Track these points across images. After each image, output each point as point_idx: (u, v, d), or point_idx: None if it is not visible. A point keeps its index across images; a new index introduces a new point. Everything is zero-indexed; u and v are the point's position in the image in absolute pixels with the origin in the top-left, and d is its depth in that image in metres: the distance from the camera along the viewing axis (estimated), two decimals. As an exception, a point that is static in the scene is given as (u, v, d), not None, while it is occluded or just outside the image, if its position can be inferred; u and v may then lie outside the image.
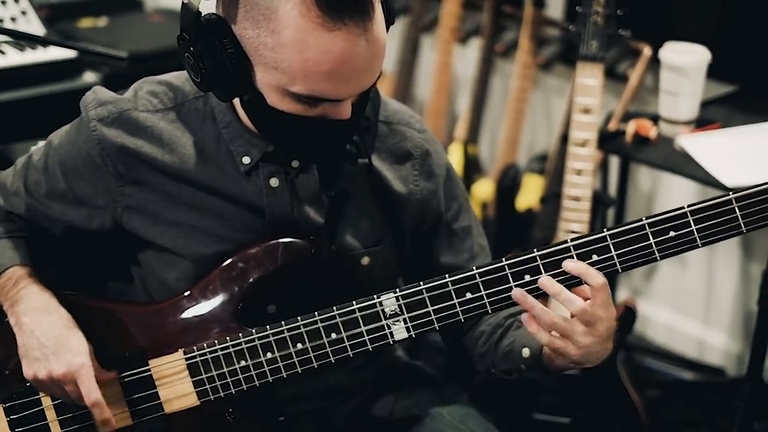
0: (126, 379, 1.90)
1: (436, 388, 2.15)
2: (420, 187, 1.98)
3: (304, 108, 1.70)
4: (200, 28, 1.69)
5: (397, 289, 1.81)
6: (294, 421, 2.01)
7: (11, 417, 1.93)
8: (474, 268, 1.78)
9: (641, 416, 2.94)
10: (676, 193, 3.70)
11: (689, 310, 3.82)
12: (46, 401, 1.92)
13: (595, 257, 1.75)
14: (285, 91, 1.68)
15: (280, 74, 1.66)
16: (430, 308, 1.80)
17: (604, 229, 1.75)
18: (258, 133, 1.85)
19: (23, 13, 3.38)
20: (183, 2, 1.72)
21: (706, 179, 2.69)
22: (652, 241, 1.73)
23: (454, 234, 2.04)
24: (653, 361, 3.79)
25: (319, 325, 1.84)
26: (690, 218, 1.72)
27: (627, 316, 2.91)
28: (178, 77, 1.93)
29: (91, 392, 1.83)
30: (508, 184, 3.79)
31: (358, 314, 1.82)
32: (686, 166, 2.75)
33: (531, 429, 2.95)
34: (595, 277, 1.73)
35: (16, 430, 1.93)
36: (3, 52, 3.22)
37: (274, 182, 1.88)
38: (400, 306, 1.81)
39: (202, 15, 1.69)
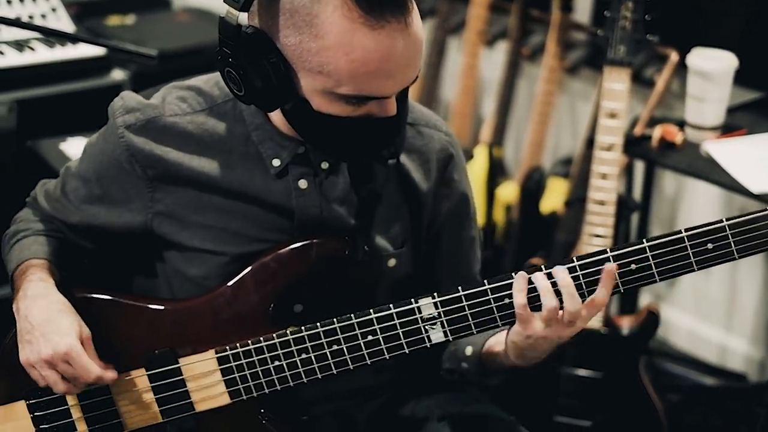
0: (155, 377, 1.91)
1: (457, 389, 2.15)
2: (438, 190, 1.99)
3: (351, 109, 1.72)
4: (241, 42, 1.71)
5: (435, 294, 1.82)
6: (317, 421, 2.01)
7: (35, 414, 1.94)
8: (513, 274, 1.79)
9: (662, 421, 2.94)
10: (701, 199, 3.69)
11: (712, 315, 3.81)
12: (72, 399, 1.93)
13: (633, 266, 1.77)
14: (332, 94, 1.70)
15: (326, 77, 1.68)
16: (468, 313, 1.81)
17: (644, 240, 1.76)
18: (289, 135, 1.86)
19: (53, 10, 3.41)
20: (220, 17, 1.73)
21: (731, 185, 2.69)
22: (690, 252, 1.76)
23: (460, 242, 2.06)
24: (675, 366, 3.78)
25: (356, 327, 1.84)
26: (728, 231, 1.74)
27: (650, 320, 2.92)
28: (206, 82, 1.94)
29: (88, 369, 1.82)
30: (533, 187, 3.79)
31: (395, 318, 1.83)
32: (712, 172, 2.75)
33: (551, 431, 2.96)
34: (604, 297, 1.75)
35: (41, 426, 1.94)
36: (33, 49, 3.25)
37: (303, 184, 1.89)
38: (438, 311, 1.82)
39: (243, 28, 1.70)
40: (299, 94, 1.73)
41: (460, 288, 1.81)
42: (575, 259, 1.77)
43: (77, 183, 1.97)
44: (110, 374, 1.86)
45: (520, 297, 1.76)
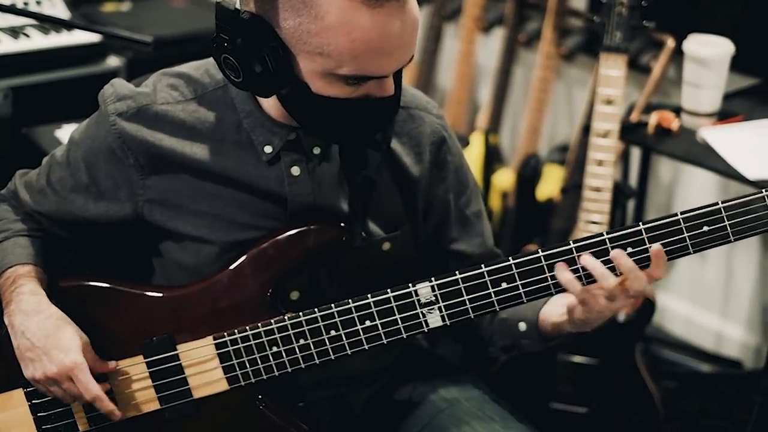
0: (153, 364, 1.91)
1: (454, 375, 2.15)
2: (431, 172, 1.99)
3: (350, 90, 1.72)
4: (239, 28, 1.71)
5: (433, 278, 1.82)
6: (313, 407, 2.02)
7: (33, 402, 1.94)
8: (510, 258, 1.80)
9: (658, 407, 2.95)
10: (697, 185, 3.69)
11: (707, 302, 3.81)
12: None
13: (630, 249, 1.77)
14: (332, 75, 1.70)
15: (326, 59, 1.68)
16: (466, 297, 1.82)
17: (640, 223, 1.76)
18: (280, 121, 1.86)
19: (48, -4, 3.40)
20: (217, 2, 1.73)
21: (727, 172, 2.69)
22: (686, 235, 1.75)
23: (468, 221, 2.06)
24: (671, 352, 3.79)
25: (354, 312, 1.85)
26: (724, 214, 1.74)
27: (646, 307, 2.92)
28: (197, 69, 1.94)
29: (89, 389, 1.84)
30: (529, 174, 3.79)
31: (393, 302, 1.84)
32: (708, 159, 2.75)
33: (548, 418, 2.96)
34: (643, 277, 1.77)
35: (39, 414, 1.94)
36: (28, 36, 3.25)
37: (295, 170, 1.89)
38: (435, 295, 1.82)
39: (240, 14, 1.70)
40: (298, 77, 1.73)
41: (457, 272, 1.82)
42: (572, 242, 1.78)
43: (64, 172, 1.96)
44: (103, 395, 1.86)
45: (574, 285, 1.77)
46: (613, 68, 2.81)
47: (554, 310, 1.90)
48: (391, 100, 1.78)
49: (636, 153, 3.44)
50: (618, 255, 1.75)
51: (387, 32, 1.67)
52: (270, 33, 1.70)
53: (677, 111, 2.94)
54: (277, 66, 1.71)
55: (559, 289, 1.80)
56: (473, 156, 3.86)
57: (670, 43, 3.38)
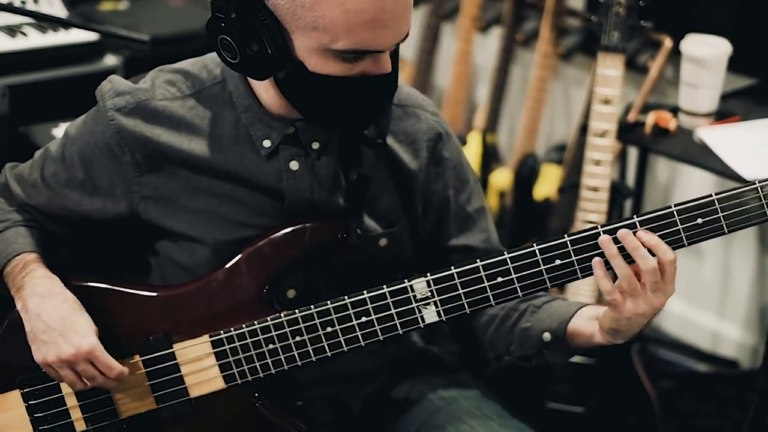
0: (150, 363, 1.91)
1: (451, 374, 2.16)
2: (428, 169, 2.00)
3: (347, 67, 1.72)
4: (234, 6, 1.71)
5: (428, 273, 1.83)
6: (311, 406, 2.02)
7: (30, 403, 1.93)
8: (505, 252, 1.80)
9: (654, 407, 2.95)
10: (694, 185, 3.69)
11: (704, 302, 3.81)
12: (66, 387, 1.92)
13: None
14: (328, 51, 1.70)
15: (321, 33, 1.68)
16: (461, 292, 1.82)
17: (634, 216, 1.77)
18: (278, 115, 1.86)
19: (46, -6, 3.39)
20: None
21: (725, 172, 2.69)
22: (680, 227, 1.76)
23: (469, 217, 2.06)
24: (667, 352, 3.79)
25: (350, 308, 1.85)
26: (717, 206, 1.75)
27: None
28: (194, 65, 1.94)
29: (111, 367, 1.84)
30: (526, 173, 3.79)
31: (388, 298, 1.84)
32: (705, 159, 2.75)
33: (545, 418, 2.96)
34: (666, 252, 1.74)
35: (35, 415, 1.93)
36: (25, 34, 3.24)
37: (294, 165, 1.89)
38: (431, 290, 1.83)
39: None
40: (294, 57, 1.73)
41: (452, 267, 1.82)
42: (566, 236, 1.79)
43: (58, 167, 1.96)
44: (126, 369, 1.87)
45: (605, 283, 1.77)
46: (610, 68, 2.81)
47: (584, 323, 1.89)
48: (388, 78, 1.77)
49: (633, 153, 3.44)
50: (642, 233, 1.75)
51: (381, 3, 1.66)
52: (264, 10, 1.70)
53: (674, 111, 2.94)
54: (272, 44, 1.71)
55: (554, 282, 1.80)
56: (470, 156, 3.87)
57: (668, 43, 3.39)
